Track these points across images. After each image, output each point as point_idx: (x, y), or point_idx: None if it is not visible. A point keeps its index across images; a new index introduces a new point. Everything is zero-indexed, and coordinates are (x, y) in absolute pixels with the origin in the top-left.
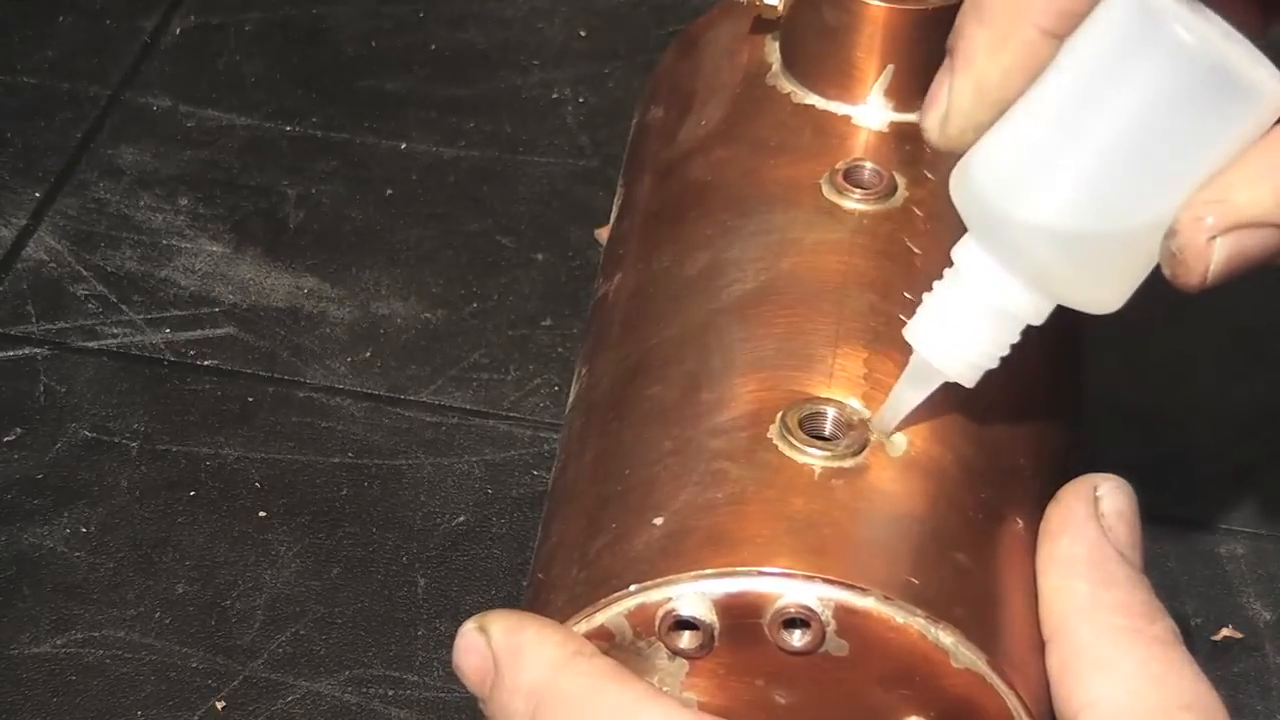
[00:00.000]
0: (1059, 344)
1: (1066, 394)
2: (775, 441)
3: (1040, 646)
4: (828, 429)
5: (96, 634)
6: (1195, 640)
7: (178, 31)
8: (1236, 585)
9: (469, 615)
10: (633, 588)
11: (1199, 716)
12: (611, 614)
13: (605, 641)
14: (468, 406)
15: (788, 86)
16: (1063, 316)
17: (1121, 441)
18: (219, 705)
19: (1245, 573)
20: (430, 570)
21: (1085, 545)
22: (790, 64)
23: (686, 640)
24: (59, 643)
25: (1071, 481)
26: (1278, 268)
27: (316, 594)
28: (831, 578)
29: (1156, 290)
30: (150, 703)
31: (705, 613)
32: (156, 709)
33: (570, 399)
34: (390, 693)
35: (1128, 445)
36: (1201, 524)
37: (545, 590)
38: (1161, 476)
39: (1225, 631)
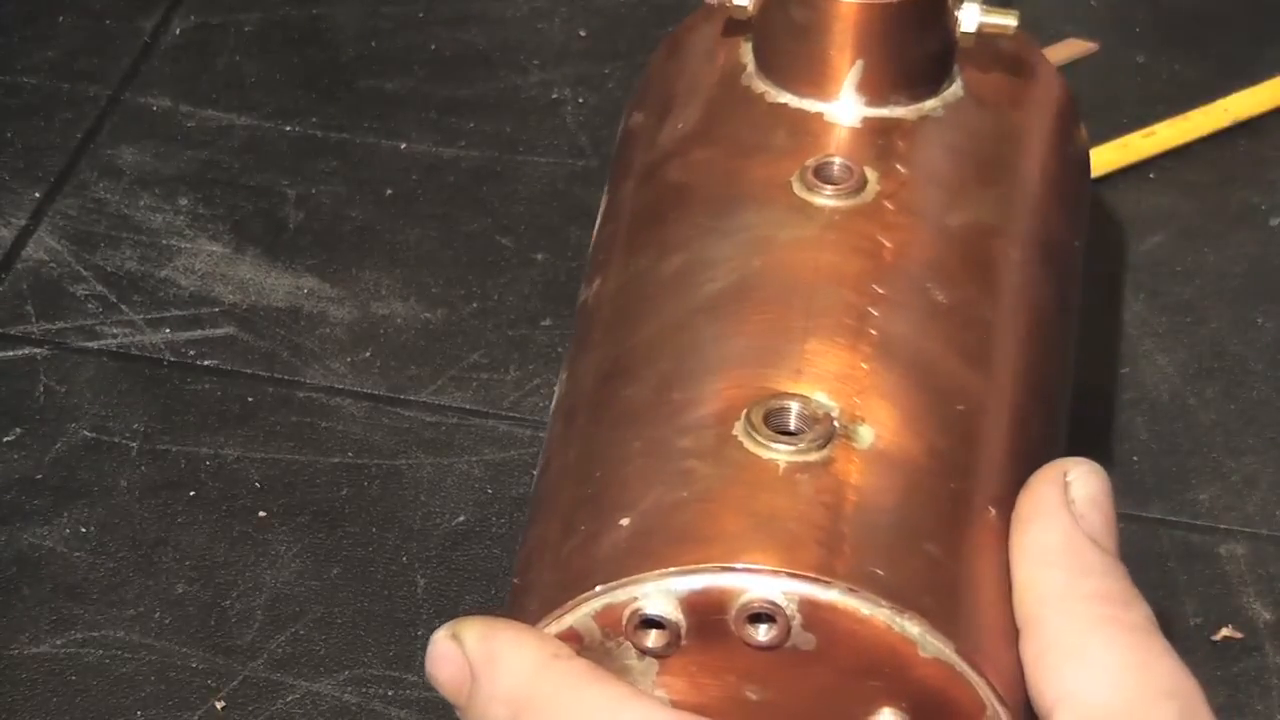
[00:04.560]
0: (1046, 330)
1: (1054, 382)
2: (740, 438)
3: (1015, 636)
4: (793, 424)
5: (96, 634)
6: (1195, 640)
7: (178, 31)
8: (1236, 585)
9: (469, 615)
10: (598, 588)
11: (1180, 704)
12: (579, 615)
13: (575, 643)
14: (468, 406)
15: (761, 86)
16: (1052, 303)
17: (1120, 441)
18: (219, 705)
19: (1245, 573)
20: (430, 570)
21: (1057, 533)
22: (763, 64)
23: (654, 639)
24: (59, 643)
25: (1042, 468)
26: None
27: (316, 594)
28: (796, 571)
29: (1160, 294)
30: (150, 703)
31: (671, 610)
32: (156, 709)
33: (553, 402)
34: (390, 693)
35: (1127, 445)
36: (1201, 524)
37: (520, 594)
38: (1161, 476)
39: (1225, 631)
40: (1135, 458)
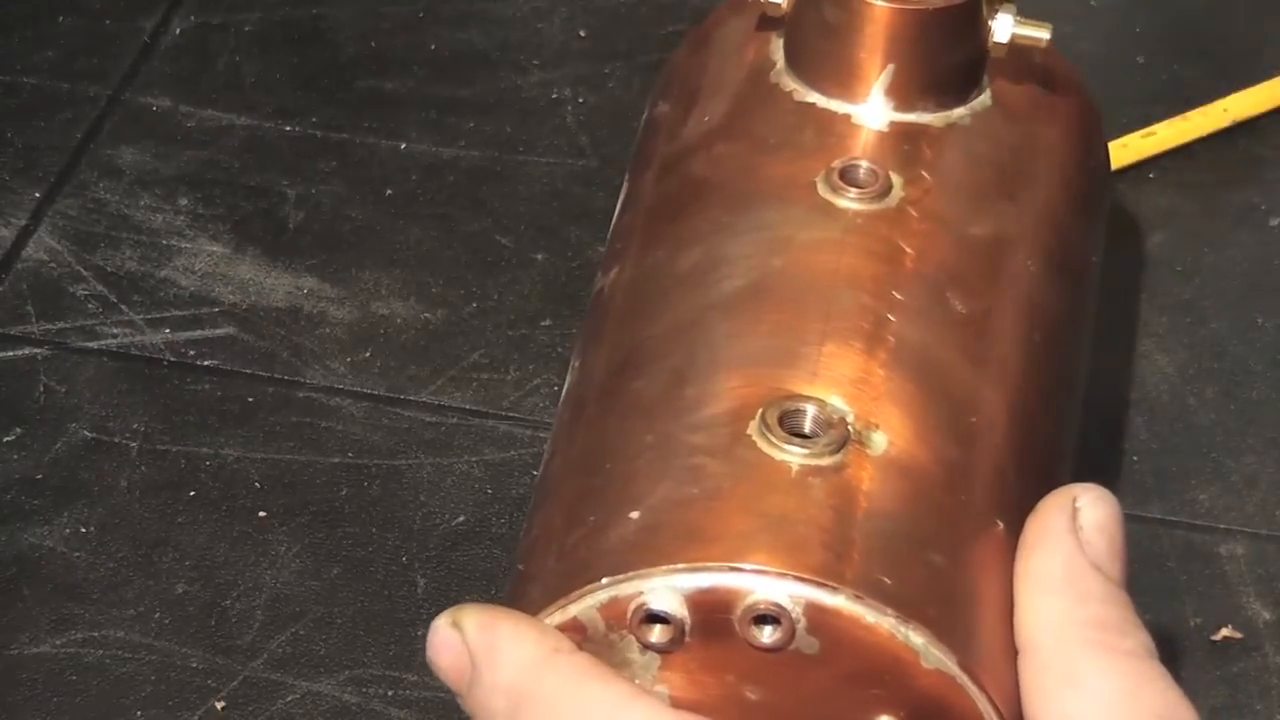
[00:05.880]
0: (1060, 343)
1: (1066, 396)
2: (754, 438)
3: (1016, 653)
4: (807, 427)
5: (96, 634)
6: (1195, 640)
7: (178, 31)
8: (1236, 585)
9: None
10: (605, 580)
11: None
12: (584, 606)
13: (578, 634)
14: (467, 406)
15: (790, 84)
16: (1068, 317)
17: (1120, 441)
18: (219, 705)
19: (1245, 573)
20: (430, 570)
21: (1060, 560)
22: (793, 62)
23: (658, 634)
24: (59, 643)
25: (1052, 493)
26: None
27: (316, 594)
28: (803, 575)
29: (1160, 298)
30: (150, 703)
31: (676, 607)
32: (156, 709)
33: (563, 392)
34: (390, 693)
35: (1127, 445)
36: (1201, 524)
37: (523, 582)
38: (1161, 476)
39: (1225, 631)
40: (1135, 458)
